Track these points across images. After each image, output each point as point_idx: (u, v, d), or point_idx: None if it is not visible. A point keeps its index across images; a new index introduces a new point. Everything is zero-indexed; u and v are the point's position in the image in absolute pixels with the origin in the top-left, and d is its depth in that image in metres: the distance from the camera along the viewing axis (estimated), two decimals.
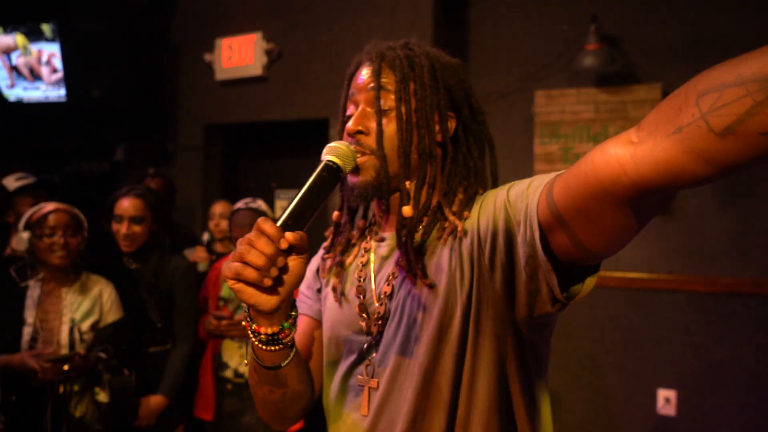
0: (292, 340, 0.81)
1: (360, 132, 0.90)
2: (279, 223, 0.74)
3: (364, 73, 0.93)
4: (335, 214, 1.00)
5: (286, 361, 0.82)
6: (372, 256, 0.95)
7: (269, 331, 0.77)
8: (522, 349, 0.84)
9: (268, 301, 0.73)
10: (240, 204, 2.52)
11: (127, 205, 2.23)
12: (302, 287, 1.04)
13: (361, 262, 0.96)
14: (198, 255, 2.74)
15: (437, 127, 0.92)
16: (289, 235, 0.71)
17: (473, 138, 0.95)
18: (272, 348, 0.79)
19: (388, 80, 0.91)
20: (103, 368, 2.01)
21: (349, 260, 0.99)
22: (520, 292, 0.79)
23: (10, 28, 3.90)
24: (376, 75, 0.90)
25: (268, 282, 0.71)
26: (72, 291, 2.09)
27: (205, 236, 2.92)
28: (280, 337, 0.78)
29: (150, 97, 3.55)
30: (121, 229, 2.22)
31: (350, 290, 0.95)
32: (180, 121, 3.62)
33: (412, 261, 0.85)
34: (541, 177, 0.78)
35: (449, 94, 0.93)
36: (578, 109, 2.87)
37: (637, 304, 2.82)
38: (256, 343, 0.79)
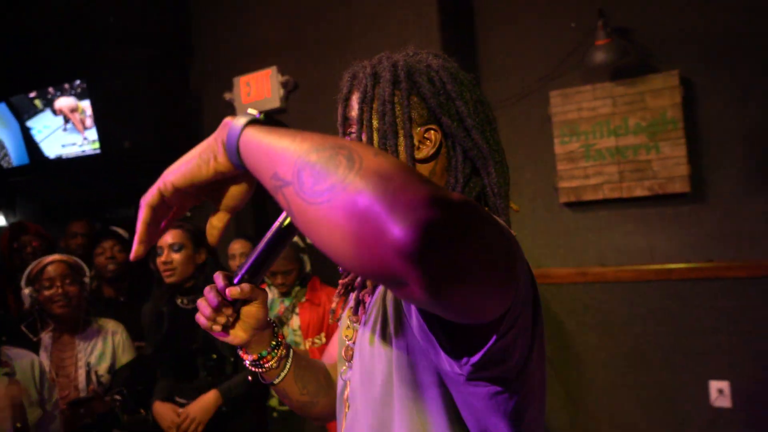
0: (279, 363, 0.92)
1: None
2: (237, 278, 0.84)
3: (339, 104, 0.89)
4: None
5: (278, 380, 0.93)
6: None
7: (249, 358, 0.91)
8: (452, 405, 0.74)
9: (232, 339, 0.87)
10: None
11: (166, 235, 2.20)
12: None
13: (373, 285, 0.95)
14: None
15: (402, 144, 0.80)
16: (230, 290, 0.82)
17: (461, 149, 0.82)
18: (258, 370, 0.92)
19: (356, 105, 0.84)
20: (119, 409, 2.08)
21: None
22: (437, 338, 0.67)
23: (42, 90, 4.14)
24: (344, 104, 0.86)
25: (216, 328, 0.84)
26: (84, 337, 2.18)
27: None
28: (261, 362, 0.91)
29: (177, 141, 3.70)
30: (161, 257, 2.19)
31: (348, 312, 0.96)
32: None
33: (359, 302, 0.88)
34: None
35: (424, 102, 0.82)
36: (595, 105, 2.84)
37: (677, 295, 2.75)
38: (246, 364, 0.93)
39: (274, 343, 0.92)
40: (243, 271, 0.84)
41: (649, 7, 2.79)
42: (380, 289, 0.85)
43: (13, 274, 2.85)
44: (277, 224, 0.83)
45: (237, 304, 0.85)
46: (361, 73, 0.85)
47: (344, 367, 0.91)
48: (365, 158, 0.48)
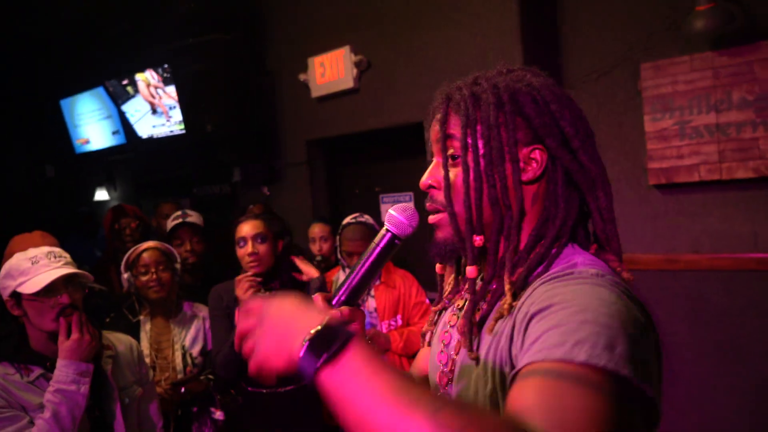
0: None
1: (432, 186, 0.87)
2: (335, 300, 0.86)
3: (434, 122, 0.88)
4: (437, 267, 0.97)
5: None
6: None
7: None
8: None
9: None
10: (349, 219, 2.62)
11: (248, 227, 2.16)
12: None
13: (458, 306, 0.92)
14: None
15: (509, 169, 0.80)
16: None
17: (563, 171, 0.81)
18: None
19: (456, 126, 0.83)
20: (212, 389, 2.21)
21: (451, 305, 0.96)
22: None
23: (132, 77, 4.38)
24: (442, 123, 0.84)
25: None
26: (178, 320, 2.31)
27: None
28: None
29: (255, 123, 3.81)
30: (246, 249, 2.12)
31: (438, 335, 0.94)
32: (284, 141, 3.84)
33: (466, 330, 0.82)
34: (559, 333, 0.65)
35: (528, 123, 0.80)
36: (693, 77, 2.58)
37: None
38: None
39: None
40: (341, 293, 0.87)
41: None
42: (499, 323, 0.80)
43: (116, 254, 3.08)
44: (377, 248, 0.87)
45: None
46: (458, 95, 0.84)
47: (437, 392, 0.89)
48: None
